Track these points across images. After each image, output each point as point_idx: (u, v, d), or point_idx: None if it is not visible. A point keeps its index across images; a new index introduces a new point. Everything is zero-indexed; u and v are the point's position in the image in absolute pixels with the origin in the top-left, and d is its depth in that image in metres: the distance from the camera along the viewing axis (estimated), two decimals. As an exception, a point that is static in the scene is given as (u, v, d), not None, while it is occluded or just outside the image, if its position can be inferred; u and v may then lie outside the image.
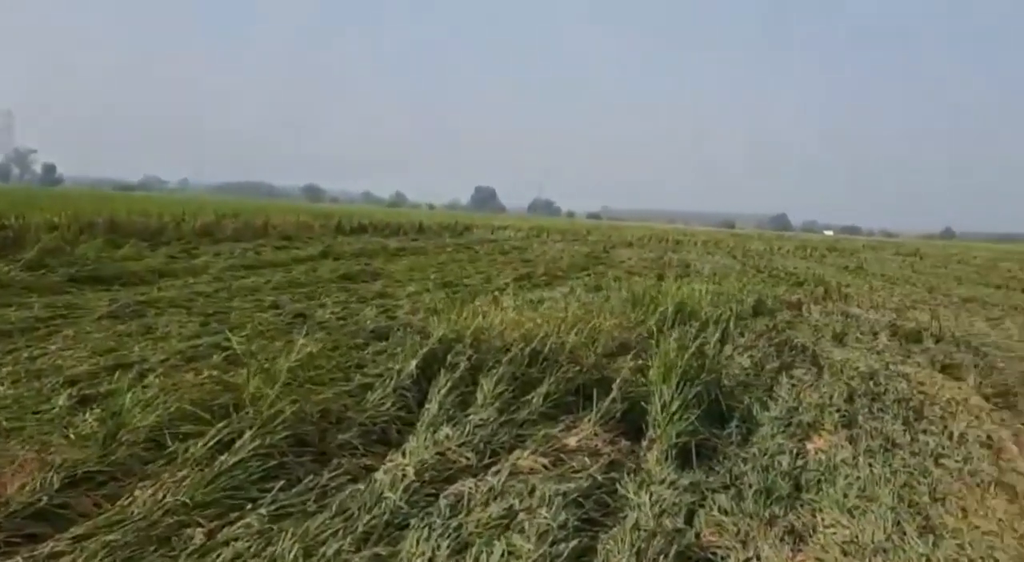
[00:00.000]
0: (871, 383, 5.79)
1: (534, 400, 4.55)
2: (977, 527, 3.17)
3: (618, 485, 3.56)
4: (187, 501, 2.94)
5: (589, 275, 14.27)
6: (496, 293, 9.51)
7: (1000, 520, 3.22)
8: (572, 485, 3.43)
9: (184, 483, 3.05)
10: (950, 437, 4.44)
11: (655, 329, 6.58)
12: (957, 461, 4.00)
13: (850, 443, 4.22)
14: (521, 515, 3.05)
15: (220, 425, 3.59)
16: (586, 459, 3.85)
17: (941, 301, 13.23)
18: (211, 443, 3.45)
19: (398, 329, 6.63)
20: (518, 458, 3.76)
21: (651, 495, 3.38)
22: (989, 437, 4.41)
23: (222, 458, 3.29)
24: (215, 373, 4.54)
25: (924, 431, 4.58)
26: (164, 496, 2.95)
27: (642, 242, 34.09)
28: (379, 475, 3.44)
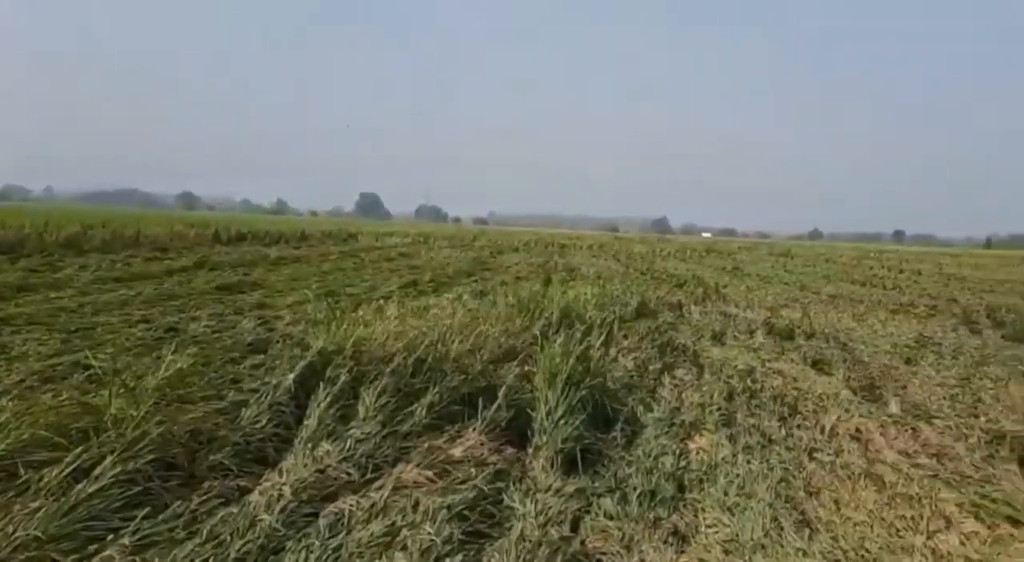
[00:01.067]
0: (749, 381, 5.98)
1: (418, 411, 4.45)
2: (849, 519, 3.29)
3: (504, 495, 3.51)
4: (40, 535, 2.69)
5: (476, 281, 14.24)
6: (381, 301, 9.33)
7: (870, 511, 3.35)
8: (457, 497, 3.36)
9: (37, 515, 2.80)
10: (822, 431, 4.62)
11: (540, 334, 6.60)
12: (829, 455, 4.16)
13: (730, 441, 4.33)
14: (404, 531, 2.96)
15: (78, 450, 3.31)
16: (472, 469, 3.79)
17: (811, 299, 13.89)
18: (68, 470, 3.18)
19: (277, 341, 6.40)
20: (401, 472, 3.66)
21: (537, 503, 3.35)
22: (858, 430, 4.61)
23: (80, 486, 3.04)
24: (75, 394, 4.22)
25: (798, 426, 4.75)
26: (15, 530, 2.69)
27: (529, 247, 34.41)
28: (254, 497, 3.27)
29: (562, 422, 4.16)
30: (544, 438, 4.11)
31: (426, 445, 4.06)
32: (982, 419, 4.92)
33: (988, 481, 3.78)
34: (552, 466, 3.87)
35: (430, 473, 3.69)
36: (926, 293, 16.46)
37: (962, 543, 3.04)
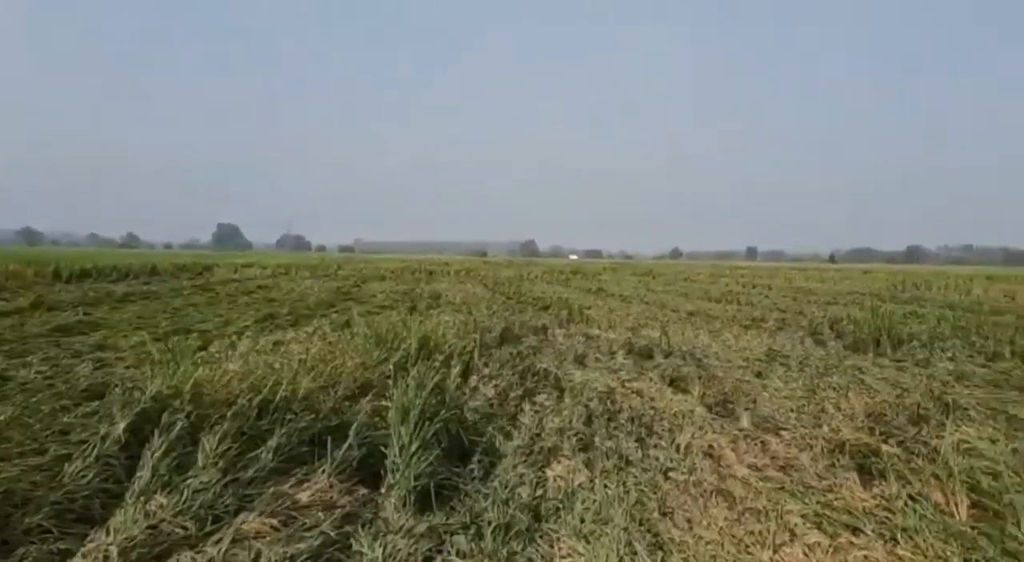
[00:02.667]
0: (608, 402, 6.04)
1: (263, 455, 4.22)
2: (701, 537, 3.33)
3: (352, 539, 3.36)
4: None
5: (337, 312, 13.88)
6: (234, 337, 8.94)
7: (721, 528, 3.41)
8: (302, 546, 3.20)
9: None
10: (677, 449, 4.71)
11: (396, 367, 6.45)
12: (683, 473, 4.23)
13: (587, 466, 4.34)
14: (241, 589, 2.76)
15: None
16: (320, 514, 3.63)
17: (671, 317, 14.35)
18: None
19: (116, 386, 5.97)
20: (243, 522, 3.45)
21: (386, 546, 3.22)
22: (711, 446, 4.72)
23: None
24: None
25: (655, 446, 4.82)
26: None
27: (396, 274, 34.01)
28: (76, 560, 2.99)
29: (416, 458, 4.05)
30: (396, 476, 3.99)
31: (271, 491, 3.85)
32: (825, 428, 5.15)
33: (830, 490, 3.94)
34: (405, 505, 3.75)
35: (274, 521, 3.50)
36: (776, 307, 17.35)
37: (806, 554, 3.14)
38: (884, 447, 4.62)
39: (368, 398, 5.48)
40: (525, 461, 4.52)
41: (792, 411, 5.82)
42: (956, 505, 3.63)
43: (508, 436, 5.08)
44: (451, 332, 8.66)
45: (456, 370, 6.28)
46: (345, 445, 4.31)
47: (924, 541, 3.23)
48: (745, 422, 5.40)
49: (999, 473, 3.97)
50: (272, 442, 4.34)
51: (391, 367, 6.32)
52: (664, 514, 3.64)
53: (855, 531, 3.38)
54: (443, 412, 4.60)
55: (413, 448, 4.12)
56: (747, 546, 3.24)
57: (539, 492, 3.99)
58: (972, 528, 3.41)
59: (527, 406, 5.97)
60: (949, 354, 8.91)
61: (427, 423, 4.35)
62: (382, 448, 4.33)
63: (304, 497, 3.80)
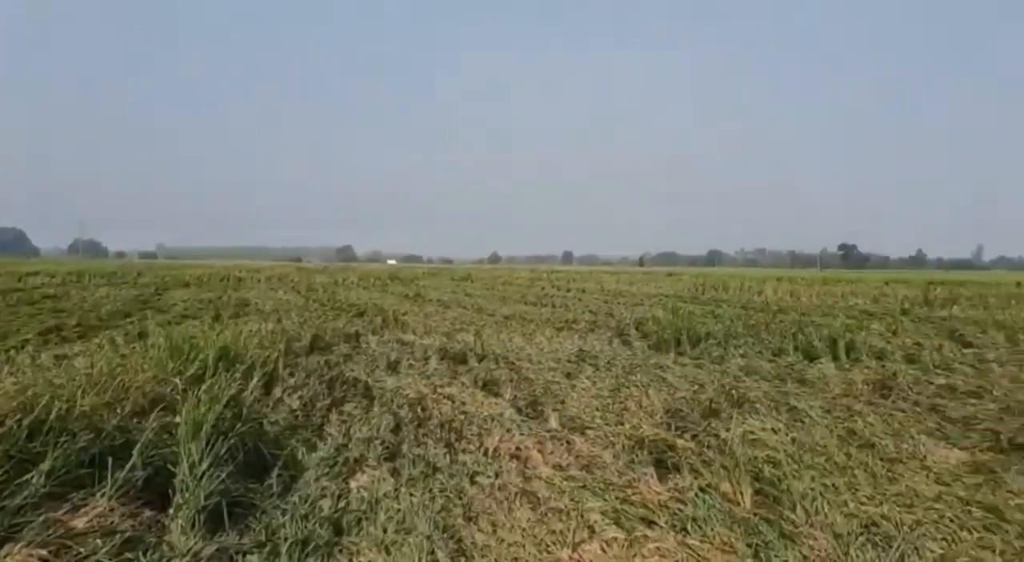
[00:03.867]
0: (419, 409, 6.00)
1: (34, 480, 3.82)
2: (504, 540, 3.35)
3: (133, 567, 3.11)
4: None
5: (132, 322, 12.96)
6: (12, 352, 8.12)
7: (524, 529, 3.44)
8: (73, 578, 2.91)
9: None
10: (485, 453, 4.73)
11: (191, 380, 6.08)
12: (489, 477, 4.26)
13: (393, 474, 4.26)
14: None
15: None
16: (98, 541, 3.33)
17: (487, 321, 14.52)
18: None
19: None
20: (7, 554, 3.10)
21: (170, 573, 3.00)
22: (518, 448, 4.78)
23: None
24: None
25: (463, 450, 4.83)
26: None
27: (201, 281, 32.32)
28: None
29: (207, 476, 3.81)
30: (186, 496, 3.73)
31: (42, 519, 3.50)
32: (627, 426, 5.37)
33: (629, 486, 4.09)
34: (193, 526, 3.52)
35: (44, 552, 3.18)
36: (588, 309, 18.01)
37: (603, 550, 3.23)
38: (680, 441, 4.88)
39: (156, 414, 5.12)
40: (328, 473, 4.38)
41: (598, 410, 6.02)
42: (741, 494, 3.88)
43: (313, 447, 4.91)
44: (254, 341, 8.29)
45: (255, 381, 6.02)
46: (129, 465, 3.99)
47: (711, 530, 3.43)
48: (553, 423, 5.53)
49: (779, 461, 4.29)
50: (45, 465, 3.94)
51: (183, 381, 5.94)
52: (469, 519, 3.64)
53: (650, 524, 3.53)
54: (239, 426, 4.38)
55: (204, 465, 3.88)
56: (548, 546, 3.30)
57: (342, 504, 3.88)
58: (755, 515, 3.66)
59: (334, 416, 5.81)
60: (741, 351, 9.58)
61: (221, 438, 4.13)
62: (171, 466, 4.05)
63: (80, 524, 3.48)
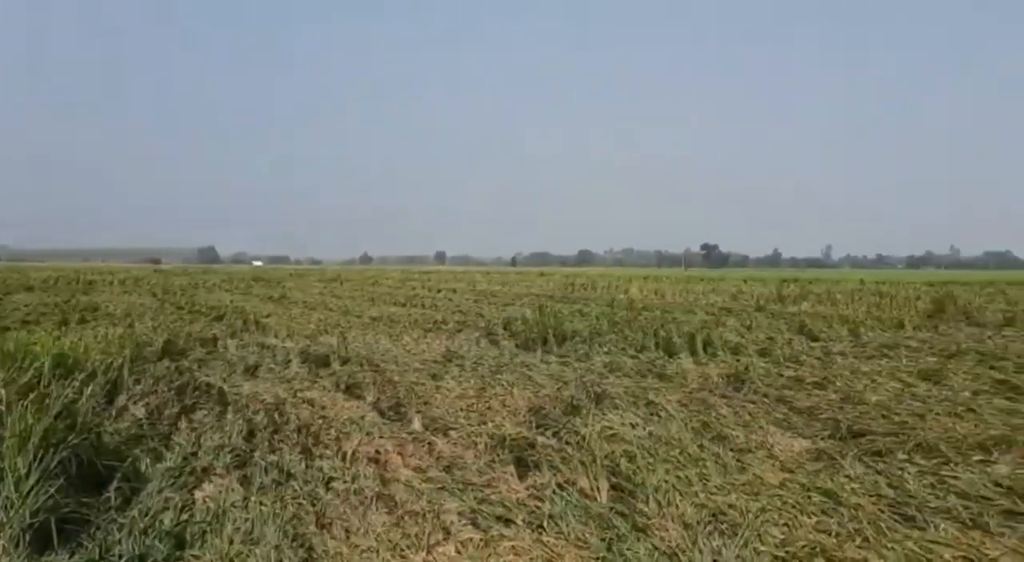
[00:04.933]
0: (276, 414, 5.82)
1: None
2: (357, 546, 3.29)
3: (-58, 597, 2.86)
4: None
5: (-37, 330, 12.01)
6: None
7: (378, 534, 3.39)
8: None
9: None
10: (343, 458, 4.63)
11: (22, 389, 5.67)
12: (346, 482, 4.16)
13: (243, 483, 4.11)
14: None
15: None
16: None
17: (353, 323, 14.29)
18: None
19: None
20: None
21: (-14, 600, 2.77)
22: (377, 452, 4.70)
23: None
24: None
25: (320, 456, 4.70)
26: None
27: (47, 285, 30.32)
28: None
29: (34, 492, 3.55)
30: (10, 514, 3.47)
31: None
32: (489, 425, 5.39)
33: (489, 485, 4.10)
34: (18, 546, 3.27)
35: None
36: (459, 310, 18.02)
37: (458, 551, 3.22)
38: (541, 439, 4.93)
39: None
40: (173, 484, 4.18)
41: (462, 411, 6.02)
42: (598, 489, 3.96)
43: (158, 457, 4.68)
44: (98, 347, 7.83)
45: (92, 389, 5.67)
46: (-61, 486, 3.67)
47: (567, 526, 3.48)
48: (416, 425, 5.48)
49: (635, 455, 4.40)
50: None
51: (15, 390, 5.52)
52: (322, 526, 3.55)
53: (507, 523, 3.54)
54: (72, 437, 4.10)
55: (32, 480, 3.62)
56: (402, 550, 3.25)
57: (185, 516, 3.70)
58: (610, 509, 3.73)
59: (183, 424, 5.55)
60: (606, 348, 9.82)
61: (52, 451, 3.85)
62: (-8, 485, 3.75)
63: None
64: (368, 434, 5.10)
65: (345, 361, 8.68)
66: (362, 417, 5.67)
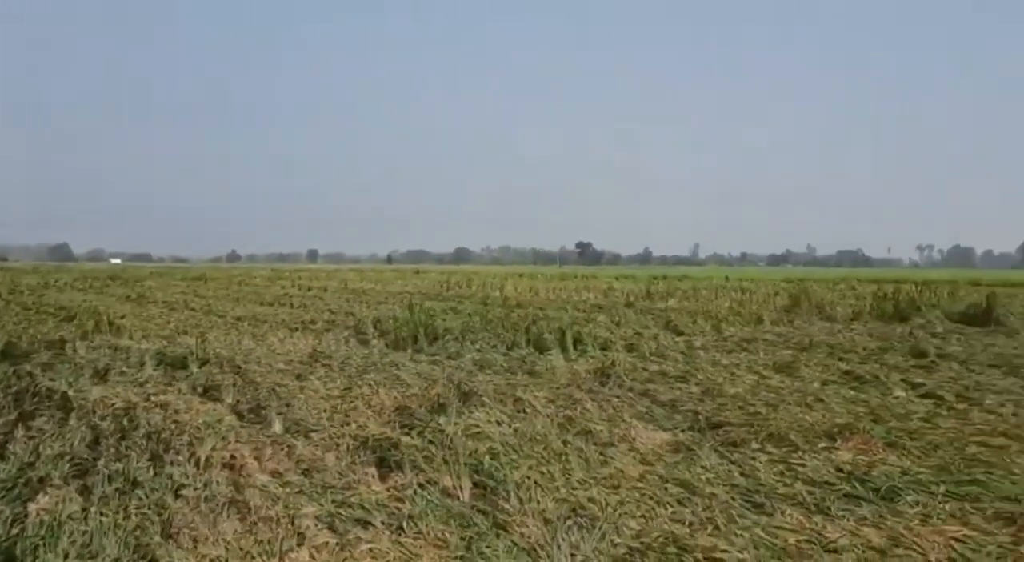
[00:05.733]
0: (125, 420, 5.52)
1: None
2: (206, 556, 3.16)
3: None
4: None
5: None
6: None
7: (229, 543, 3.26)
8: None
9: None
10: (196, 464, 4.43)
11: None
12: (197, 489, 3.99)
13: (82, 493, 3.87)
14: None
15: None
16: None
17: (216, 323, 13.80)
18: None
19: None
20: None
21: None
22: (233, 456, 4.53)
23: None
24: None
25: (171, 463, 4.48)
26: None
27: None
28: None
29: None
30: None
31: None
32: (353, 426, 5.30)
33: (349, 487, 4.02)
34: None
35: None
36: (328, 309, 17.69)
37: (312, 557, 3.14)
38: (405, 439, 4.87)
39: None
40: (5, 497, 3.91)
41: (326, 412, 5.89)
42: (460, 487, 3.95)
43: (-12, 470, 4.35)
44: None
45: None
46: None
47: (427, 526, 3.45)
48: (277, 427, 5.32)
49: (499, 452, 4.42)
50: None
51: None
52: (168, 536, 3.38)
53: (366, 526, 3.48)
54: None
55: None
56: (253, 557, 3.14)
57: (15, 531, 3.45)
58: (472, 507, 3.73)
59: (20, 432, 5.19)
60: (477, 346, 9.85)
61: None
62: None
63: None
64: (224, 438, 4.90)
65: (204, 362, 8.33)
66: (219, 421, 5.45)
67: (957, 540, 3.37)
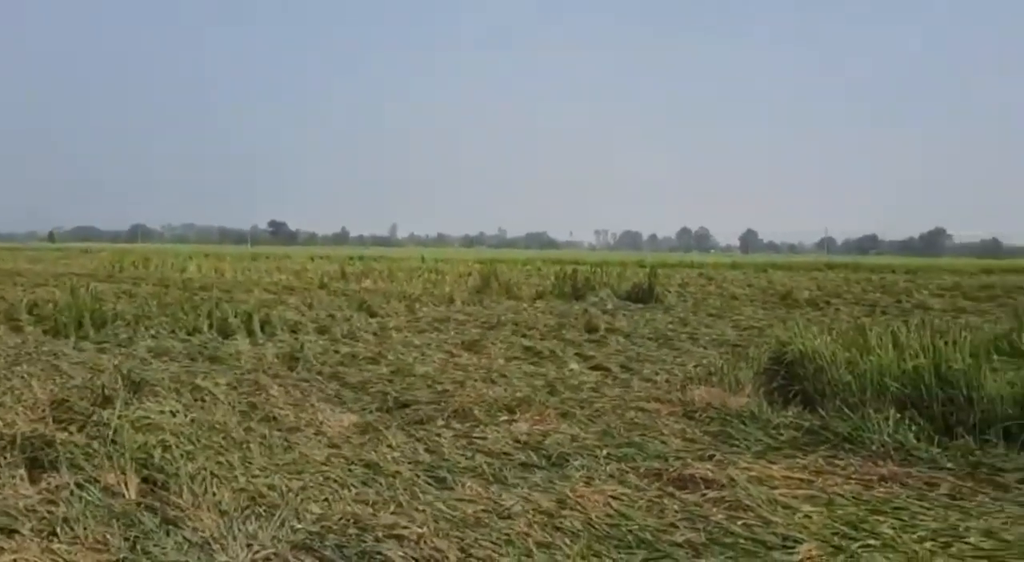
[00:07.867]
0: None
1: None
2: None
3: None
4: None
5: None
6: None
7: None
8: None
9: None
10: None
11: None
12: None
13: None
14: None
15: None
16: None
17: None
18: None
19: None
20: None
21: None
22: None
23: None
24: None
25: None
26: None
27: None
28: None
29: None
30: None
31: None
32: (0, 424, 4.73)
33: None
34: None
35: None
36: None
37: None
38: (62, 435, 4.46)
39: None
40: None
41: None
42: (126, 484, 3.70)
43: None
44: None
45: None
46: None
47: (85, 528, 3.19)
48: None
49: (171, 444, 4.20)
50: None
51: None
52: None
53: (11, 534, 3.15)
54: None
55: None
56: None
57: None
58: (138, 504, 3.52)
59: None
60: (153, 332, 9.24)
61: None
62: None
63: None
64: None
65: None
66: None
67: (614, 498, 3.77)
